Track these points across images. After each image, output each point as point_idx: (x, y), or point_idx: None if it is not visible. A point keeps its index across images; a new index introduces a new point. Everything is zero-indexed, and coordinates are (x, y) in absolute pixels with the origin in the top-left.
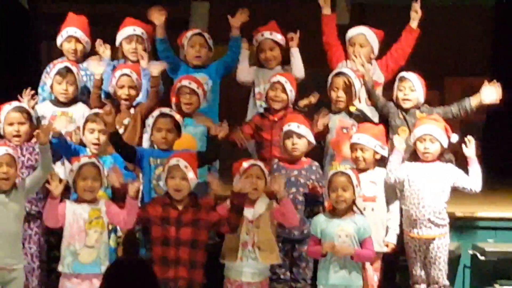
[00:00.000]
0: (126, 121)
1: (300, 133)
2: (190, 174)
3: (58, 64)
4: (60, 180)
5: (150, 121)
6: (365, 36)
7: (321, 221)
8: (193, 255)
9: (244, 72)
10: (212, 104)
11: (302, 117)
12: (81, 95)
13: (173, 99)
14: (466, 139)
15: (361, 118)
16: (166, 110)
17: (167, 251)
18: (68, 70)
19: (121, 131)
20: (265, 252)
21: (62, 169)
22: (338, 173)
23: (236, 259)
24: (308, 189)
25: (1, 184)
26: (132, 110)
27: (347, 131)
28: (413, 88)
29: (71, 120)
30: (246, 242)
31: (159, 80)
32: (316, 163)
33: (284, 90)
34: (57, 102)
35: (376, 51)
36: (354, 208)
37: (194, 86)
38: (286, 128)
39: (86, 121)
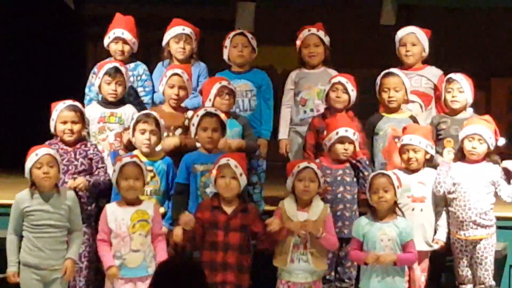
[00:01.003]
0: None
1: (353, 139)
2: (241, 174)
3: (107, 64)
4: None
5: (195, 120)
6: (415, 35)
7: (363, 224)
8: (241, 260)
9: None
10: (256, 111)
11: (348, 121)
12: (128, 96)
13: (209, 99)
14: None
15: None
16: (211, 109)
17: (215, 255)
18: (117, 70)
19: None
20: (317, 258)
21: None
22: (379, 175)
23: (286, 263)
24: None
25: (42, 183)
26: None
27: (398, 141)
28: (461, 89)
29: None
30: (297, 245)
31: None
32: (359, 158)
33: (345, 90)
34: (105, 103)
35: (427, 49)
36: (396, 210)
37: (232, 87)
38: (342, 133)
39: (137, 122)
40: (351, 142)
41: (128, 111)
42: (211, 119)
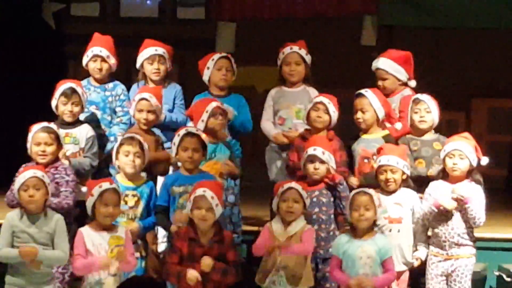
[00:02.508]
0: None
1: (324, 159)
2: (217, 205)
3: (64, 85)
4: None
5: (176, 139)
6: (382, 70)
7: (343, 242)
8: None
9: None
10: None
11: (325, 141)
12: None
13: (200, 122)
14: None
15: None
16: (192, 129)
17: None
18: (73, 91)
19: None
20: (293, 277)
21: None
22: (361, 193)
23: (264, 282)
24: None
25: (28, 206)
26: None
27: (368, 161)
28: (428, 109)
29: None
30: (278, 267)
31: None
32: (337, 180)
33: (327, 110)
34: (61, 123)
35: (401, 76)
36: (375, 228)
37: (224, 107)
38: (311, 151)
39: (121, 144)
40: (322, 161)
41: (83, 131)
42: (192, 139)
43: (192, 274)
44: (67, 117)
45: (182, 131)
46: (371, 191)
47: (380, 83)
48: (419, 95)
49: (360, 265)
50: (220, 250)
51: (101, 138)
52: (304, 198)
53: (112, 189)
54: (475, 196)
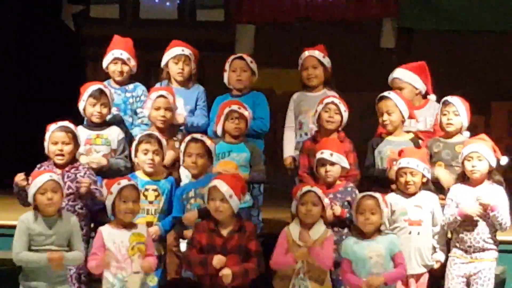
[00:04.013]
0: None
1: (333, 161)
2: (231, 196)
3: (92, 86)
4: None
5: (182, 147)
6: (398, 79)
7: (351, 244)
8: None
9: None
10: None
11: (335, 143)
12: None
13: (219, 124)
14: None
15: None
16: (197, 135)
17: (215, 279)
18: (101, 92)
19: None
20: (316, 282)
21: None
22: (366, 196)
23: (284, 287)
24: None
25: (46, 209)
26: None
27: (397, 163)
28: (456, 112)
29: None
30: (298, 270)
31: None
32: (351, 184)
33: (338, 110)
34: (90, 125)
35: (418, 85)
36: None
37: (243, 110)
38: (319, 155)
39: (139, 142)
40: (332, 163)
41: (114, 132)
42: (196, 145)
43: (218, 258)
44: (96, 118)
45: (187, 138)
46: (377, 194)
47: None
48: (449, 97)
49: (372, 264)
50: (240, 241)
51: (126, 140)
52: (323, 201)
53: (131, 185)
54: (499, 200)
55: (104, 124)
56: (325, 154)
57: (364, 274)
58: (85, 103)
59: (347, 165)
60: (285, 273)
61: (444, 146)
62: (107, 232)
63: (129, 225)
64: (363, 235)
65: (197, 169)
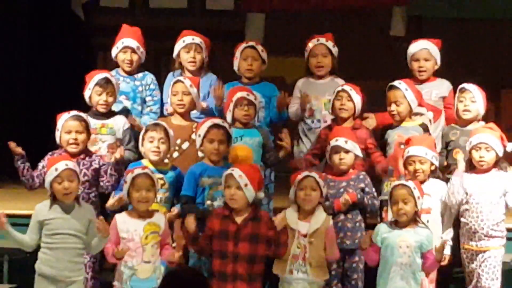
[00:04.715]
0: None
1: (348, 148)
2: (246, 184)
3: (98, 75)
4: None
5: (201, 131)
6: (428, 50)
7: (382, 230)
8: (251, 270)
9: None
10: (263, 122)
11: (349, 131)
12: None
13: (228, 112)
14: None
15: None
16: (218, 121)
17: (224, 265)
18: (107, 81)
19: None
20: (316, 268)
21: None
22: (399, 186)
23: (285, 272)
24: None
25: (63, 198)
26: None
27: (404, 147)
28: (473, 99)
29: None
30: (296, 256)
31: None
32: (363, 172)
33: (350, 97)
34: (96, 114)
35: (439, 62)
36: (418, 219)
37: (252, 97)
38: (333, 143)
39: (146, 131)
40: (347, 151)
41: (120, 122)
42: (218, 131)
43: (189, 219)
44: (102, 107)
45: (208, 123)
46: (411, 183)
47: (422, 64)
48: (465, 84)
49: (399, 253)
50: (254, 229)
51: (133, 129)
52: (321, 187)
53: (144, 174)
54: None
55: (109, 113)
56: (339, 141)
57: (391, 262)
58: (91, 91)
59: (360, 154)
60: (283, 258)
61: (461, 134)
62: (122, 220)
63: (145, 214)
64: (397, 224)
65: (218, 155)
